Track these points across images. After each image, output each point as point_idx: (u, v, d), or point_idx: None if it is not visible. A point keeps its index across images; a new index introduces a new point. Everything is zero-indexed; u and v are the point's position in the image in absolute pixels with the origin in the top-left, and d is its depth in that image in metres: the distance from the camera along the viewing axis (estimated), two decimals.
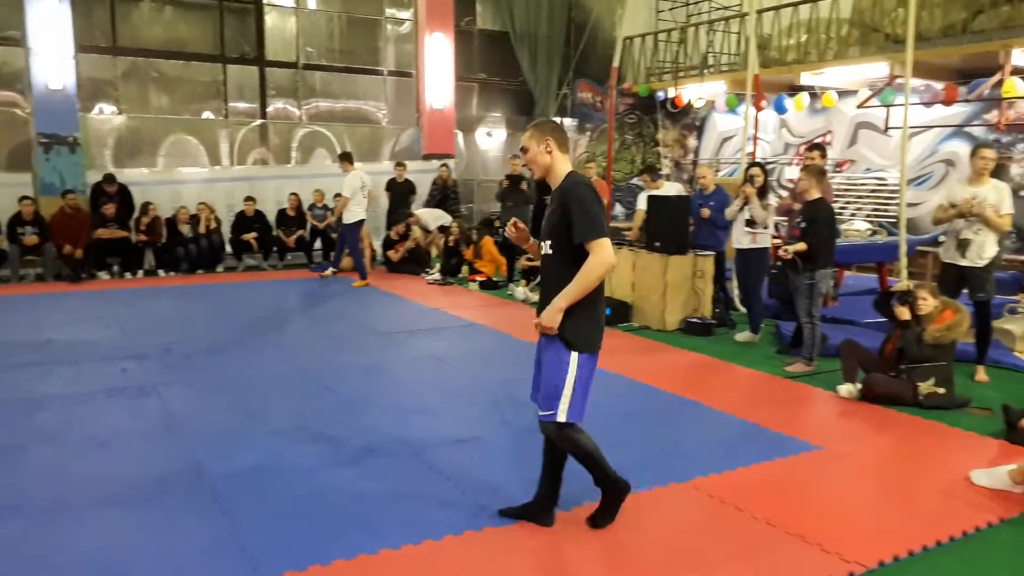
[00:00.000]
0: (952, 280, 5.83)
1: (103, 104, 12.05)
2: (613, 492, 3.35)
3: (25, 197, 10.28)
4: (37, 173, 10.93)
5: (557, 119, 15.32)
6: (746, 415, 4.98)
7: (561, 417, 3.14)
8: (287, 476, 3.92)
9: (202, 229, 11.20)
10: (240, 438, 4.48)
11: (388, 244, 11.86)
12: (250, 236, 11.48)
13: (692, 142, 15.53)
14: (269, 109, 13.21)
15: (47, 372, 5.83)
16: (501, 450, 4.34)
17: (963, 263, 5.72)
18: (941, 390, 5.17)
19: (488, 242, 10.53)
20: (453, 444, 4.41)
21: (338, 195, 10.57)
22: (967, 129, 10.82)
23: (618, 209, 15.50)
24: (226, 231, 11.63)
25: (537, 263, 10.14)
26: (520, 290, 9.40)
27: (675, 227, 7.66)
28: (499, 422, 4.85)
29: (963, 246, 5.72)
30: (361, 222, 10.17)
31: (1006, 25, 9.46)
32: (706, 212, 7.54)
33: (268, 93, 13.17)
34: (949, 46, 10.03)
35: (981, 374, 5.88)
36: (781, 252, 6.03)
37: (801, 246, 5.91)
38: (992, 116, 10.56)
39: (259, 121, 13.11)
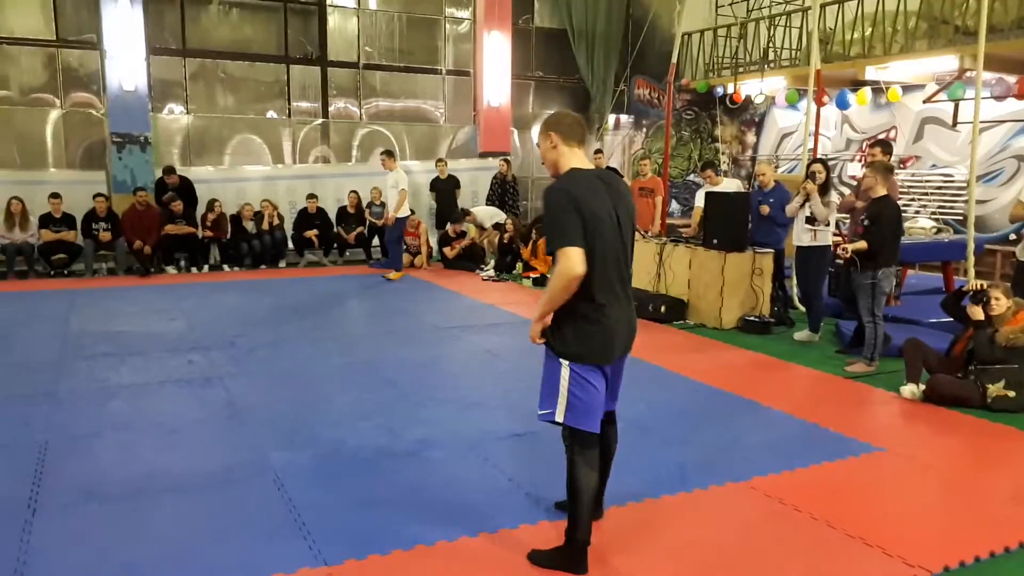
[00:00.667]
0: None
1: (172, 104, 12.46)
2: (570, 546, 3.01)
3: (99, 194, 10.72)
4: (110, 171, 11.38)
5: (612, 115, 15.26)
6: (805, 415, 4.91)
7: (559, 417, 2.98)
8: (347, 466, 4.02)
9: (265, 226, 11.49)
10: (302, 428, 4.60)
11: (444, 241, 11.99)
12: (311, 233, 11.73)
13: (751, 138, 15.27)
14: (330, 108, 13.47)
15: (120, 363, 6.08)
16: (555, 445, 4.32)
17: None
18: (1011, 393, 5.00)
19: (544, 241, 10.55)
20: (509, 439, 4.46)
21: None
22: None
23: (674, 206, 15.35)
24: (288, 228, 11.91)
25: None
26: None
27: (733, 224, 7.57)
28: None
29: None
30: (405, 218, 10.33)
31: None
32: (765, 209, 7.44)
33: (330, 93, 13.42)
34: (1022, 38, 9.67)
35: None
36: (840, 251, 5.91)
37: (861, 244, 5.78)
38: None
39: (321, 120, 13.37)
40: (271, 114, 13.13)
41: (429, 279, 10.56)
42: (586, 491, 2.97)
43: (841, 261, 6.09)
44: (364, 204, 12.15)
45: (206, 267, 11.27)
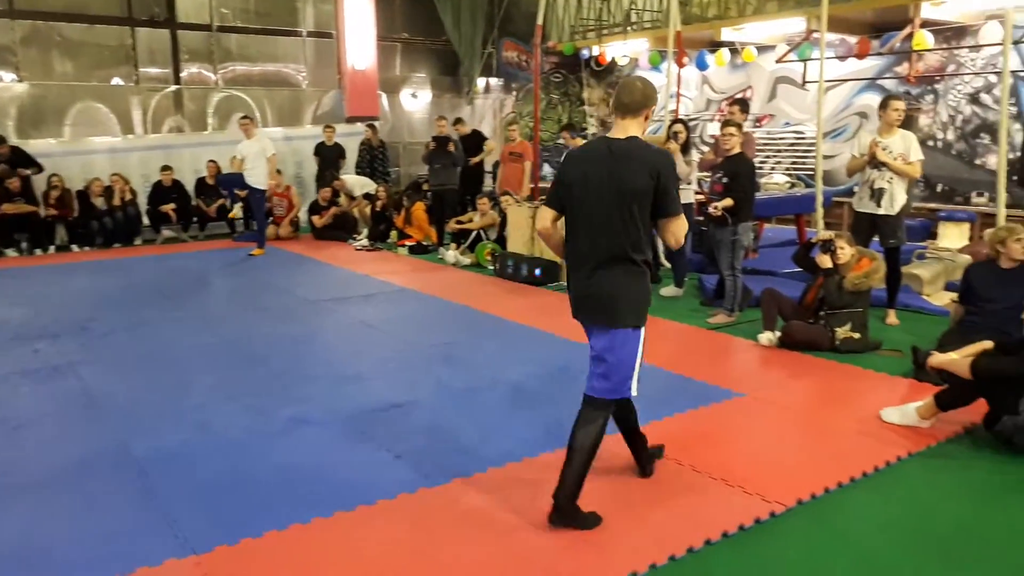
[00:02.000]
0: (865, 228, 6.02)
1: (1, 71, 11.36)
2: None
3: None
4: None
5: (482, 79, 15.17)
6: (672, 367, 5.11)
7: None
8: (215, 451, 3.85)
9: (117, 201, 10.75)
10: (164, 415, 4.37)
11: (314, 209, 11.61)
12: (168, 207, 11.08)
13: None
14: (183, 74, 12.68)
15: None
16: (436, 413, 4.35)
17: (879, 211, 5.91)
18: (856, 335, 5.39)
19: (419, 207, 10.42)
20: (387, 410, 4.40)
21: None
22: (880, 82, 11.17)
23: (546, 169, 15.52)
24: (142, 202, 11.19)
25: (467, 226, 10.05)
26: (451, 254, 9.36)
27: None
28: (434, 385, 4.85)
29: (877, 195, 5.91)
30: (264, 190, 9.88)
31: None
32: None
33: (181, 57, 12.63)
34: (862, 0, 10.29)
35: (892, 317, 6.16)
36: (711, 209, 6.11)
37: (728, 202, 6.02)
38: (903, 69, 10.92)
39: (173, 87, 12.58)
40: (117, 81, 12.22)
41: (299, 251, 10.22)
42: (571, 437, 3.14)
43: (710, 218, 6.28)
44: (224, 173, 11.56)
45: (52, 248, 10.44)
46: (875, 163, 5.88)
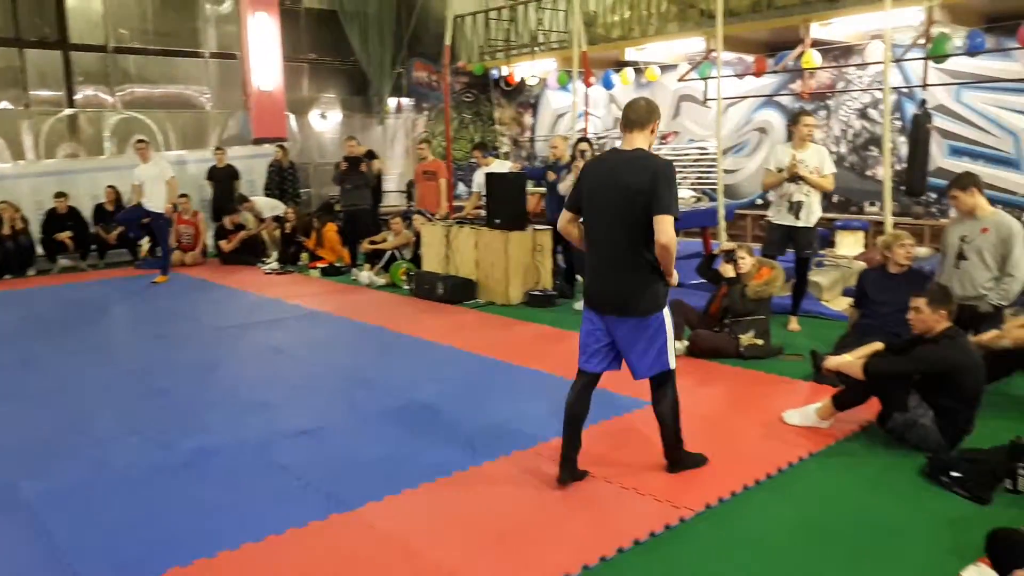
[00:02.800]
0: (781, 240, 6.23)
1: None
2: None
3: None
4: None
5: (393, 99, 15.11)
6: None
7: None
8: (114, 487, 3.67)
9: (7, 230, 10.19)
10: (60, 452, 4.14)
11: (220, 234, 11.29)
12: (64, 235, 10.57)
13: (528, 120, 15.80)
14: (77, 97, 12.16)
15: None
16: (348, 437, 4.27)
17: (798, 223, 6.12)
18: (760, 341, 5.58)
19: (330, 229, 10.27)
20: (296, 437, 4.29)
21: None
22: (777, 99, 11.68)
23: (461, 188, 15.56)
24: (36, 231, 10.64)
25: (381, 246, 9.90)
26: (364, 274, 9.25)
27: (513, 203, 7.79)
28: (346, 409, 4.77)
29: (796, 208, 6.11)
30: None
31: (805, 1, 10.25)
32: (552, 175, 7.67)
33: (75, 79, 12.11)
34: (756, 20, 10.75)
35: (794, 324, 6.41)
36: None
37: None
38: (797, 86, 11.45)
39: (67, 111, 12.05)
40: (5, 104, 11.62)
41: (205, 277, 9.90)
42: (565, 408, 3.58)
43: None
44: (125, 199, 11.11)
45: None
46: (793, 177, 6.09)
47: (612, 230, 3.38)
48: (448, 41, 10.02)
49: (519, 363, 5.65)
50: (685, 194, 10.21)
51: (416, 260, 9.02)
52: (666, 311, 3.49)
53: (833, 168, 6.19)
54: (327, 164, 13.83)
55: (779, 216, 6.24)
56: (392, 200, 14.51)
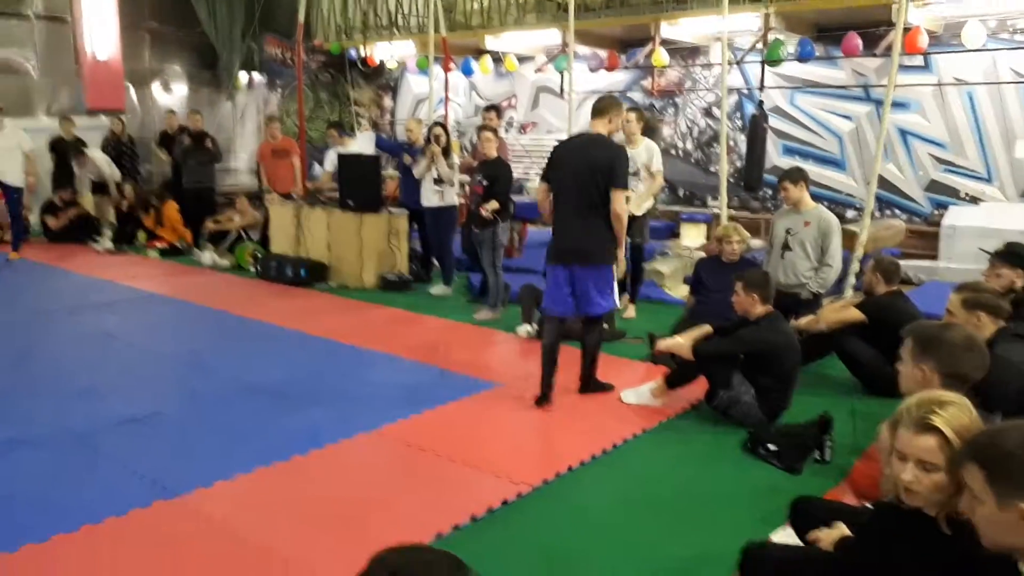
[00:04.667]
0: None
1: None
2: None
3: None
4: None
5: (244, 74, 14.44)
6: (436, 362, 5.18)
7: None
8: None
9: None
10: None
11: (48, 209, 10.36)
12: None
13: (388, 102, 15.57)
14: None
15: None
16: (182, 424, 4.07)
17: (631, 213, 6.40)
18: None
19: (171, 207, 9.69)
20: (124, 424, 4.03)
21: None
22: (630, 94, 12.10)
23: (317, 169, 15.12)
24: None
25: (226, 226, 9.42)
26: (207, 256, 8.82)
27: (367, 185, 7.65)
28: (182, 396, 4.55)
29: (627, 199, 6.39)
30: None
31: (656, 0, 10.68)
32: (408, 159, 7.57)
33: None
34: (610, 17, 11.09)
35: (631, 311, 6.66)
36: (484, 212, 6.23)
37: (495, 204, 6.19)
38: (648, 83, 11.92)
39: None
40: None
41: (29, 256, 9.09)
42: (545, 350, 4.36)
43: (475, 219, 6.37)
44: None
45: None
46: None
47: (580, 196, 4.18)
48: (302, 18, 9.68)
49: (369, 347, 5.57)
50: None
51: (264, 242, 8.70)
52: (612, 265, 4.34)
53: (660, 165, 6.46)
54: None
55: None
56: (242, 179, 13.91)
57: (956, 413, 1.82)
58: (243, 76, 14.47)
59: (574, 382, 4.59)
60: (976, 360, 2.48)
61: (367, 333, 5.98)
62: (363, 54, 13.33)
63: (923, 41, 8.31)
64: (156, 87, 13.74)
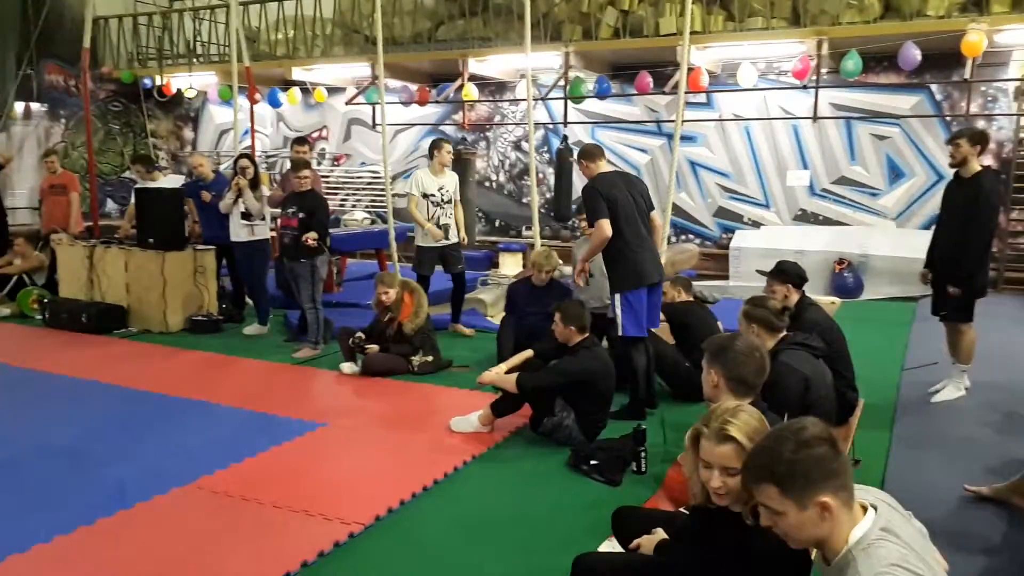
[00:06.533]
0: (432, 259, 6.73)
1: None
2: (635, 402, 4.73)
3: None
4: None
5: (20, 103, 13.17)
6: (253, 406, 4.95)
7: (620, 331, 4.68)
8: None
9: None
10: None
11: None
12: None
13: (188, 134, 14.81)
14: None
15: None
16: (40, 475, 3.60)
17: (449, 241, 6.69)
18: (430, 358, 5.80)
19: None
20: None
21: None
22: (442, 128, 12.31)
23: (110, 205, 14.04)
24: None
25: (4, 270, 8.51)
26: None
27: (169, 221, 7.20)
28: None
29: (446, 229, 6.66)
30: None
31: (462, 37, 10.98)
32: (207, 196, 7.20)
33: None
34: (419, 51, 11.27)
35: (465, 329, 6.86)
36: (309, 241, 6.01)
37: (313, 234, 6.01)
38: (459, 117, 12.20)
39: None
40: None
41: None
42: (643, 366, 4.69)
43: (305, 250, 6.14)
44: None
45: None
46: (437, 202, 6.60)
47: (640, 224, 4.68)
48: (87, 44, 9.01)
49: (179, 395, 5.21)
50: (359, 216, 10.29)
51: (51, 286, 7.92)
52: None
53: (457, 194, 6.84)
54: None
55: (427, 240, 6.69)
56: (23, 218, 12.63)
57: (747, 419, 2.04)
58: (19, 106, 13.16)
59: (407, 413, 4.56)
60: (755, 365, 2.75)
61: (176, 380, 5.60)
62: (159, 83, 12.61)
63: (704, 80, 9.18)
64: None
